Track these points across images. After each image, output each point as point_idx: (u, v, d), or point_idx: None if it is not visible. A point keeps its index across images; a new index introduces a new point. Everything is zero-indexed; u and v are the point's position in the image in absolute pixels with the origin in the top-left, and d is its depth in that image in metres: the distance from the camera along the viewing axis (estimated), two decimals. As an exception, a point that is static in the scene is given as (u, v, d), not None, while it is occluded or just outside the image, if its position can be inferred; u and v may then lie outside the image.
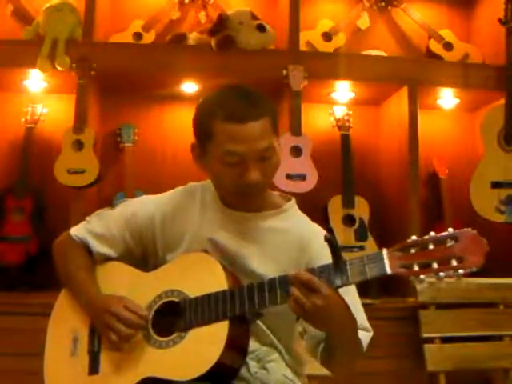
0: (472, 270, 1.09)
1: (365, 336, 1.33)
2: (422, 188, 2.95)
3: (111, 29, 2.98)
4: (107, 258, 1.46)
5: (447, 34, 3.14)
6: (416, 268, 1.11)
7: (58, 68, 2.64)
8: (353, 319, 1.24)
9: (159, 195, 1.50)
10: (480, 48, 3.15)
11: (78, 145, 2.61)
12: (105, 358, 1.33)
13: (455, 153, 3.19)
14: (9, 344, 2.30)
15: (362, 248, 2.79)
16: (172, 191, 1.50)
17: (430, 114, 3.15)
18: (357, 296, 1.37)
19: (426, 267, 1.11)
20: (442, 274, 1.10)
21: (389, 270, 1.12)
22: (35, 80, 2.79)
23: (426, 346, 2.41)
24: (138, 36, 2.95)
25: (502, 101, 2.77)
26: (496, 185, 2.71)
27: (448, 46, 3.11)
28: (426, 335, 2.42)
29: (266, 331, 1.37)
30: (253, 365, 1.33)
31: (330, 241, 1.16)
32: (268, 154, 1.30)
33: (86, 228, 1.48)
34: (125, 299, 1.35)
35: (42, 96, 2.91)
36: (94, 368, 1.34)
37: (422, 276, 1.11)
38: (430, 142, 3.08)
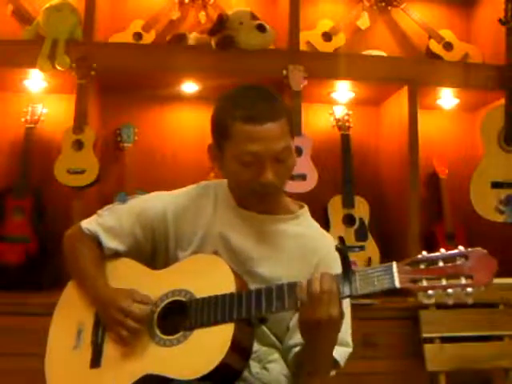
0: (480, 289, 1.09)
1: (343, 352, 1.33)
2: (422, 188, 2.95)
3: (111, 29, 2.97)
4: (117, 253, 1.46)
5: (447, 34, 3.14)
6: (425, 283, 1.12)
7: (58, 68, 2.63)
8: (336, 335, 1.24)
9: (173, 192, 1.50)
10: (480, 48, 3.15)
11: (78, 145, 2.61)
12: (107, 353, 1.33)
13: (455, 153, 3.19)
14: (9, 344, 2.30)
15: (362, 248, 2.79)
16: (185, 188, 1.50)
17: (430, 114, 3.14)
18: (349, 308, 1.37)
19: (434, 283, 1.11)
20: (450, 290, 1.10)
21: (398, 284, 1.13)
22: (35, 80, 2.79)
23: (426, 346, 2.41)
24: (138, 36, 2.95)
25: (502, 101, 2.77)
26: (496, 185, 2.71)
27: (448, 46, 3.11)
28: (425, 335, 2.42)
29: (267, 331, 1.38)
30: (253, 365, 1.34)
31: (341, 250, 1.17)
32: (284, 155, 1.31)
33: (97, 221, 1.48)
34: (133, 292, 1.35)
35: (42, 96, 2.91)
36: (95, 361, 1.34)
37: (430, 292, 1.11)
38: (430, 142, 3.08)
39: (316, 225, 1.48)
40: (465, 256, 1.12)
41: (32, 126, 2.84)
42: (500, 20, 2.79)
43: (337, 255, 1.24)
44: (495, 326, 2.46)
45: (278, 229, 1.41)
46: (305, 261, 1.38)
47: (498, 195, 2.69)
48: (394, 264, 1.15)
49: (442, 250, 1.14)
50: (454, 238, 2.92)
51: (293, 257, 1.38)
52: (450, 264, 1.12)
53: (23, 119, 2.84)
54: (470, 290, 1.09)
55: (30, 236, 2.67)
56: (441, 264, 1.12)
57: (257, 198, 1.36)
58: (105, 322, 1.36)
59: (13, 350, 2.29)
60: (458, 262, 1.12)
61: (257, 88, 1.37)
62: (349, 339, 1.36)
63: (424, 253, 1.15)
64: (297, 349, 1.33)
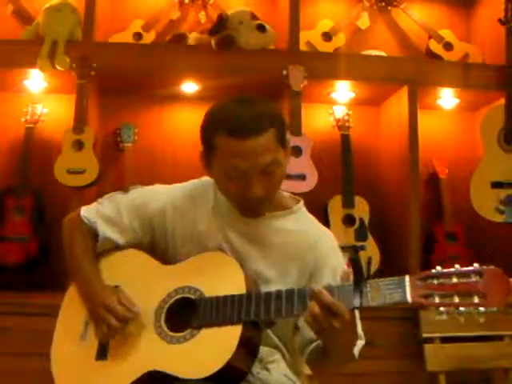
0: (493, 310, 1.07)
1: (359, 344, 1.34)
2: (422, 188, 2.95)
3: (111, 29, 2.97)
4: (115, 245, 1.46)
5: (447, 34, 3.14)
6: (437, 300, 1.10)
7: (58, 68, 2.63)
8: (355, 334, 1.25)
9: (173, 186, 1.50)
10: (480, 48, 3.15)
11: (78, 145, 2.61)
12: (114, 346, 1.33)
13: (455, 153, 3.19)
14: (9, 344, 2.30)
15: (362, 248, 2.79)
16: (185, 183, 1.50)
17: (430, 114, 3.14)
18: None
19: (447, 300, 1.10)
20: (462, 308, 1.08)
21: (409, 299, 1.12)
22: (35, 80, 2.79)
23: (426, 346, 2.41)
24: (138, 36, 2.95)
25: (502, 101, 2.77)
26: (496, 185, 2.71)
27: (448, 46, 3.10)
28: (425, 335, 2.42)
29: (268, 332, 1.37)
30: (254, 365, 1.33)
31: (354, 261, 1.17)
32: (271, 168, 1.29)
33: (96, 210, 1.48)
34: (120, 292, 1.36)
35: (42, 96, 2.91)
36: (101, 353, 1.34)
37: (441, 308, 1.09)
38: (430, 142, 3.08)
39: (313, 220, 1.47)
40: (479, 273, 1.09)
41: (32, 125, 2.84)
42: (500, 20, 2.79)
43: (334, 251, 1.23)
44: (495, 326, 2.46)
45: (273, 226, 1.40)
46: (301, 258, 1.38)
47: (498, 195, 2.69)
48: (407, 278, 1.13)
49: (457, 266, 1.12)
50: (454, 238, 2.92)
51: (289, 253, 1.38)
52: (463, 280, 1.10)
53: (23, 119, 2.84)
54: (482, 309, 1.07)
55: (30, 236, 2.66)
56: (454, 280, 1.10)
57: (246, 209, 1.37)
58: (91, 316, 1.37)
59: (13, 349, 2.29)
60: (472, 280, 1.09)
61: (245, 100, 1.33)
62: (361, 332, 1.36)
63: (438, 267, 1.13)
64: (314, 344, 1.32)
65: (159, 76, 2.82)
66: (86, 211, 1.49)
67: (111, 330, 1.31)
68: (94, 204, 1.51)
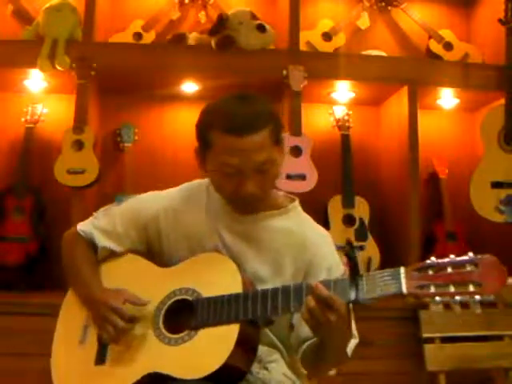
0: (489, 298, 1.07)
1: (352, 343, 1.33)
2: (422, 188, 2.95)
3: (111, 29, 2.98)
4: (113, 253, 1.47)
5: (447, 34, 3.14)
6: (432, 290, 1.10)
7: (58, 68, 2.64)
8: (350, 333, 1.25)
9: (165, 191, 1.51)
10: (480, 48, 3.15)
11: (78, 145, 2.61)
12: (112, 349, 1.33)
13: (455, 153, 3.19)
14: (8, 344, 2.30)
15: (362, 248, 2.79)
16: (178, 187, 1.51)
17: (430, 114, 3.14)
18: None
19: (442, 290, 1.10)
20: (457, 298, 1.09)
21: (405, 290, 1.11)
22: (35, 80, 2.79)
23: (426, 346, 2.41)
24: (138, 36, 2.95)
25: (502, 101, 2.77)
26: (496, 185, 2.71)
27: (448, 46, 3.10)
28: (425, 335, 2.42)
29: (267, 331, 1.37)
30: (254, 365, 1.33)
31: (349, 255, 1.17)
32: (266, 166, 1.29)
33: (92, 223, 1.49)
34: (124, 292, 1.36)
35: (42, 96, 2.91)
36: (100, 358, 1.34)
37: (437, 298, 1.10)
38: (430, 142, 3.08)
39: (309, 219, 1.47)
40: (474, 263, 1.10)
41: (32, 125, 2.84)
42: (500, 20, 2.79)
43: (331, 251, 1.23)
44: (495, 326, 2.46)
45: (267, 225, 1.40)
46: (297, 257, 1.38)
47: (498, 195, 2.69)
48: (402, 269, 1.13)
49: (452, 256, 1.12)
50: (454, 238, 2.92)
51: (282, 253, 1.38)
52: (458, 270, 1.10)
53: (23, 119, 2.84)
54: (478, 297, 1.08)
55: (30, 236, 2.67)
56: (449, 270, 1.10)
57: (239, 206, 1.37)
58: (94, 319, 1.37)
59: (13, 349, 2.29)
60: (468, 269, 1.09)
61: (242, 97, 1.34)
62: (355, 331, 1.36)
63: (433, 258, 1.13)
64: (308, 342, 1.32)
65: (159, 76, 2.82)
66: (82, 225, 1.51)
67: (118, 331, 1.30)
68: (90, 218, 1.53)
